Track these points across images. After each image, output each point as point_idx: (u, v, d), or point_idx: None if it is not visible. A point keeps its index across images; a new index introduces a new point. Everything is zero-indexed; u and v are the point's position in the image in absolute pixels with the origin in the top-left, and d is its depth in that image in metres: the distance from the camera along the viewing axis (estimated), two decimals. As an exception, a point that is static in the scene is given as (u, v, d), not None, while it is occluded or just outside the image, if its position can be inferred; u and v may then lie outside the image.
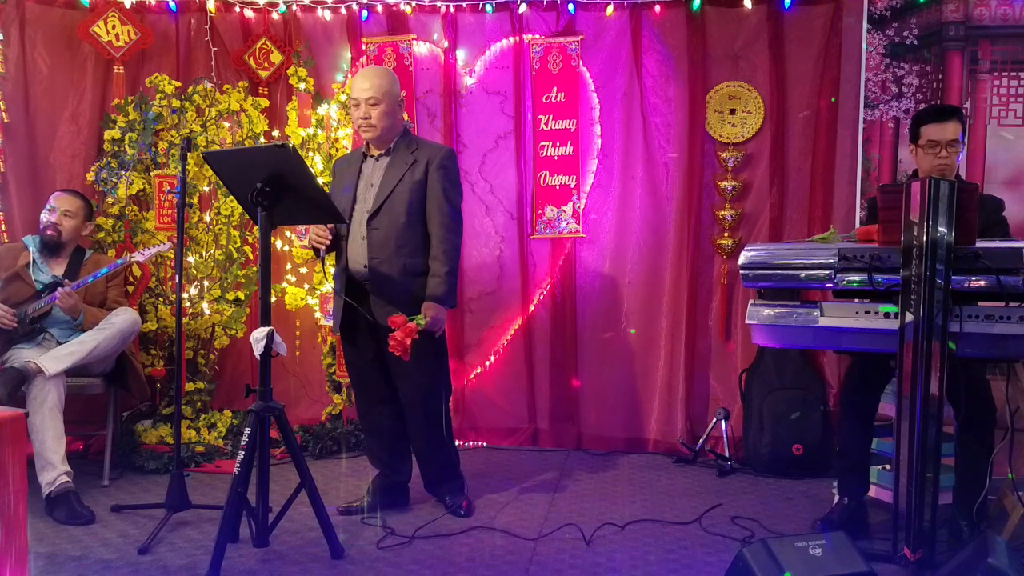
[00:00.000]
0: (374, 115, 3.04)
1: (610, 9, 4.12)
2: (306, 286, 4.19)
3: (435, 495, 3.30)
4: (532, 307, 4.28)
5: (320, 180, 3.86)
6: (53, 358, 3.23)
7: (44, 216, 3.57)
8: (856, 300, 2.60)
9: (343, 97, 4.09)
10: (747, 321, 2.68)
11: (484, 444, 4.27)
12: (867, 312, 2.52)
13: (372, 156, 3.15)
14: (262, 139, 4.16)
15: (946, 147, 2.91)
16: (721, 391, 4.16)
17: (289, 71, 4.17)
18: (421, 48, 4.27)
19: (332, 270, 3.41)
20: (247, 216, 3.90)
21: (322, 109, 4.14)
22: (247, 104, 4.13)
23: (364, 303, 3.08)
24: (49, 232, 3.55)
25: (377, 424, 3.26)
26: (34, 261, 3.56)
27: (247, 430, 2.60)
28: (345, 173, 3.19)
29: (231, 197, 3.95)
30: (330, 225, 3.05)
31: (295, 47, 4.25)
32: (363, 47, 4.25)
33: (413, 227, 3.06)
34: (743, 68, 4.07)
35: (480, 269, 4.30)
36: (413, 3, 4.22)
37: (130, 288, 3.88)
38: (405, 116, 4.06)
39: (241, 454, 2.58)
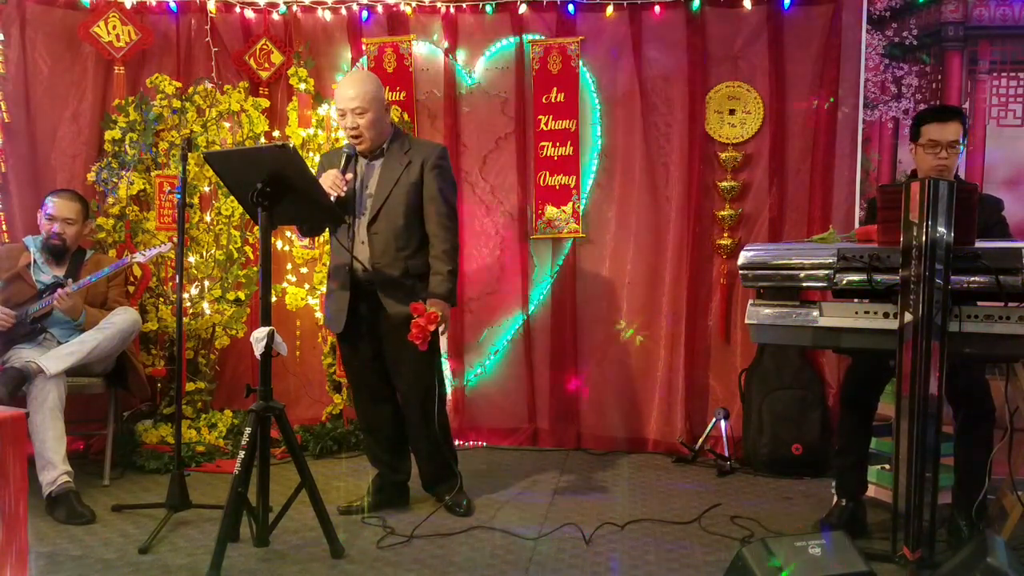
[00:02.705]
0: (362, 125, 3.01)
1: (610, 10, 4.13)
2: (306, 286, 4.19)
3: (433, 494, 3.30)
4: (532, 307, 4.28)
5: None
6: (54, 358, 3.23)
7: (44, 224, 3.56)
8: (855, 300, 2.61)
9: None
10: (747, 321, 2.68)
11: (484, 444, 4.27)
12: (866, 312, 2.52)
13: (365, 157, 3.13)
14: (262, 139, 4.16)
15: (946, 148, 2.91)
16: (721, 391, 4.17)
17: (289, 71, 4.17)
18: (421, 49, 4.27)
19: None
20: (248, 216, 3.89)
21: (322, 109, 4.14)
22: (247, 104, 4.13)
23: (364, 303, 3.07)
24: (54, 242, 3.55)
25: (376, 424, 3.26)
26: (35, 262, 3.57)
27: (247, 430, 2.61)
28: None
29: (232, 197, 3.95)
30: (348, 176, 3.00)
31: (295, 48, 4.25)
32: (363, 48, 4.25)
33: (412, 228, 3.07)
34: (743, 68, 4.08)
35: (480, 269, 4.30)
36: (413, 3, 4.23)
37: (131, 288, 3.88)
38: (405, 116, 4.09)
39: (242, 454, 2.59)
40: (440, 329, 3.03)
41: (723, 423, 3.97)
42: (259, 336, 2.64)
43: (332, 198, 2.95)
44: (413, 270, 3.07)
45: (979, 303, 2.44)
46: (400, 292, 3.04)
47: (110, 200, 4.02)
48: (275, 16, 4.32)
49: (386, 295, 3.05)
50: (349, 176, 3.00)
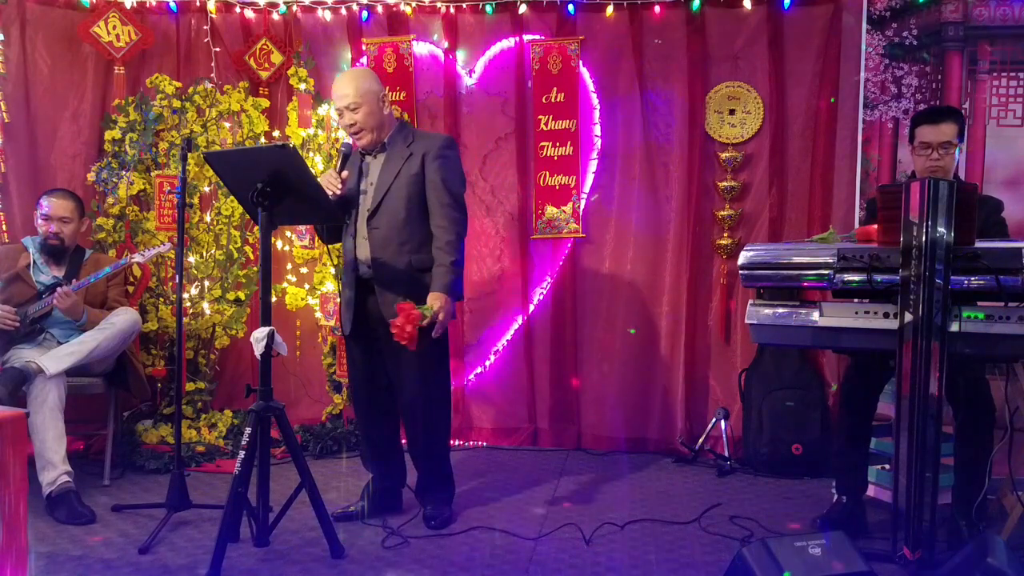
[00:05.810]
0: (358, 120, 2.98)
1: (610, 10, 4.13)
2: (306, 286, 4.19)
3: (420, 502, 3.18)
4: (532, 307, 4.28)
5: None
6: (54, 358, 3.23)
7: (41, 224, 3.56)
8: (855, 300, 2.61)
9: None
10: (747, 321, 2.68)
11: (484, 444, 4.27)
12: (866, 312, 2.52)
13: (370, 154, 3.11)
14: (262, 139, 4.16)
15: (938, 149, 2.90)
16: (721, 391, 4.17)
17: (289, 71, 4.17)
18: (421, 49, 4.27)
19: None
20: (248, 216, 3.90)
21: (322, 109, 4.14)
22: (247, 104, 4.13)
23: (371, 301, 3.04)
24: (52, 242, 3.55)
25: (374, 429, 3.20)
26: (34, 262, 3.57)
27: (248, 430, 2.61)
28: (350, 169, 3.10)
29: (232, 197, 3.95)
30: (344, 173, 2.98)
31: (295, 48, 4.25)
32: (363, 47, 4.25)
33: (414, 222, 3.00)
34: (743, 68, 4.08)
35: (480, 269, 4.30)
36: (413, 3, 4.23)
37: (130, 288, 3.88)
38: (405, 116, 4.08)
39: (242, 454, 2.59)
40: (433, 326, 2.85)
41: (723, 423, 3.97)
42: (259, 336, 2.64)
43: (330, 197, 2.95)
44: (417, 264, 2.99)
45: (979, 303, 2.44)
46: (401, 290, 2.97)
47: (110, 200, 4.02)
48: (275, 16, 4.32)
49: (385, 294, 3.00)
50: (345, 174, 2.98)
